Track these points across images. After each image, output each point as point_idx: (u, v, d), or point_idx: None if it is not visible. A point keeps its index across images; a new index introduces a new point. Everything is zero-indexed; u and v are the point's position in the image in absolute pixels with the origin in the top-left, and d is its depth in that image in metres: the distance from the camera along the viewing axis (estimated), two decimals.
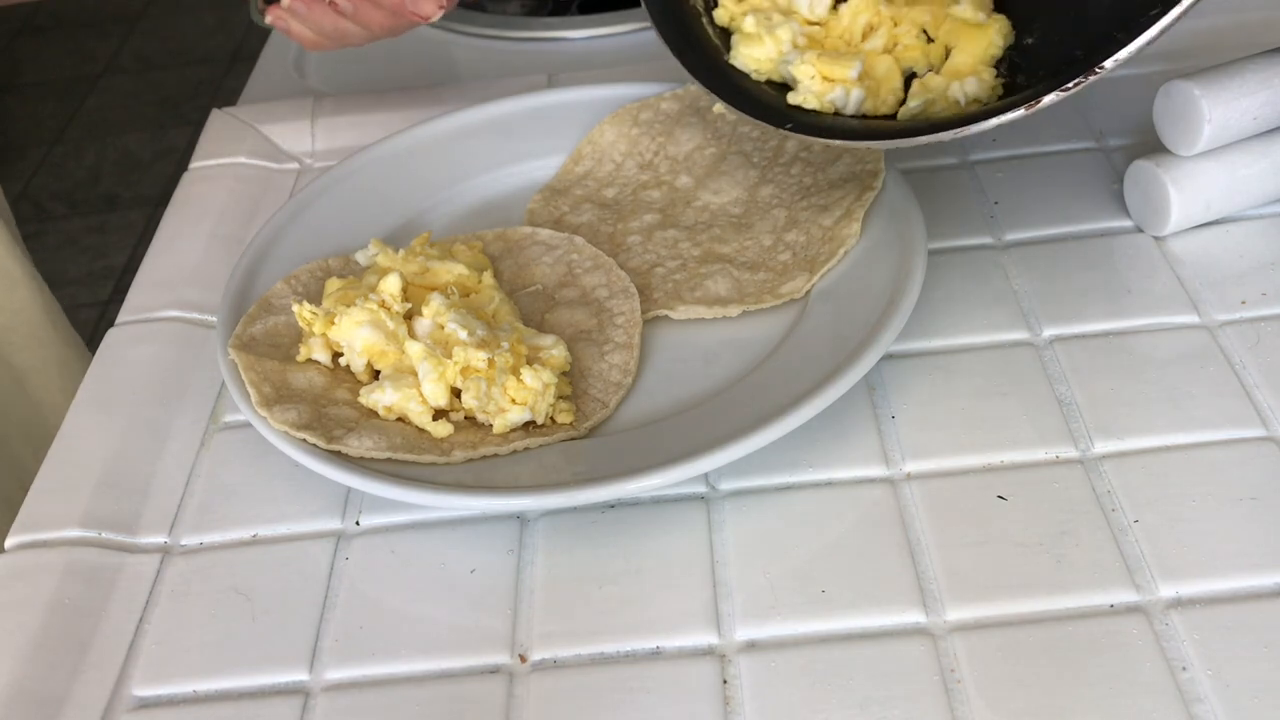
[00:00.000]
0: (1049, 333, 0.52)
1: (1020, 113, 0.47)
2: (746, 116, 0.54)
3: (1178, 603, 0.41)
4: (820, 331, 0.51)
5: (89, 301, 1.90)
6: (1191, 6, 0.44)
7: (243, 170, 0.69)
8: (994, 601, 0.42)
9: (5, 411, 0.74)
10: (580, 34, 0.80)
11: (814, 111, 0.54)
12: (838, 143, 0.53)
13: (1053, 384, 0.49)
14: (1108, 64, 0.45)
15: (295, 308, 0.51)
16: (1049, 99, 0.46)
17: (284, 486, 0.49)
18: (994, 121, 0.47)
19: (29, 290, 0.76)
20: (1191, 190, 0.54)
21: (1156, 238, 0.56)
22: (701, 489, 0.47)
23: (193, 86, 2.42)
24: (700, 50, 0.58)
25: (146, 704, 0.42)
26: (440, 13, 0.58)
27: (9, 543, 0.48)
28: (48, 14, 2.72)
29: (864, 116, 0.54)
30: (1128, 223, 0.57)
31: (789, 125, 0.53)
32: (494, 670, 0.42)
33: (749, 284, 0.54)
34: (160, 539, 0.48)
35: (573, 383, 0.51)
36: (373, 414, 0.49)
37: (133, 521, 0.49)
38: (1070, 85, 0.46)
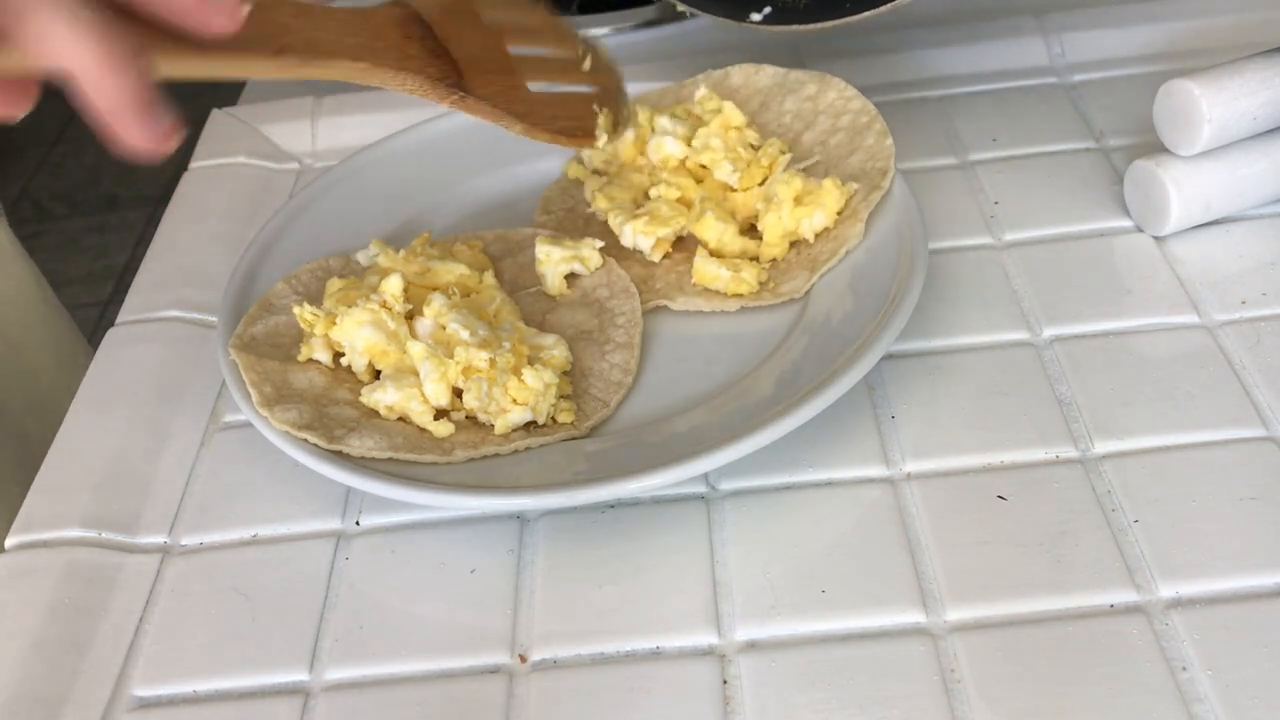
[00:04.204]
0: (1049, 333, 0.52)
1: None
2: (708, 14, 0.60)
3: (1178, 603, 0.41)
4: (820, 331, 0.51)
5: (89, 301, 1.90)
6: None
7: (243, 170, 0.69)
8: (994, 601, 0.42)
9: (6, 384, 0.74)
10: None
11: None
12: (794, 27, 0.58)
13: (1053, 384, 0.49)
14: None
15: (296, 309, 0.51)
16: None
17: (284, 486, 0.49)
18: None
19: (19, 266, 0.76)
20: (1191, 190, 0.54)
21: (1156, 238, 0.56)
22: (701, 489, 0.47)
23: (193, 86, 2.41)
24: None
25: (146, 704, 0.42)
26: None
27: (9, 543, 0.48)
28: None
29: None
30: (1128, 223, 0.57)
31: (750, 19, 0.58)
32: (494, 670, 0.42)
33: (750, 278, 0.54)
34: (160, 539, 0.48)
35: (574, 382, 0.51)
36: (374, 414, 0.49)
37: (133, 521, 0.49)
38: None
